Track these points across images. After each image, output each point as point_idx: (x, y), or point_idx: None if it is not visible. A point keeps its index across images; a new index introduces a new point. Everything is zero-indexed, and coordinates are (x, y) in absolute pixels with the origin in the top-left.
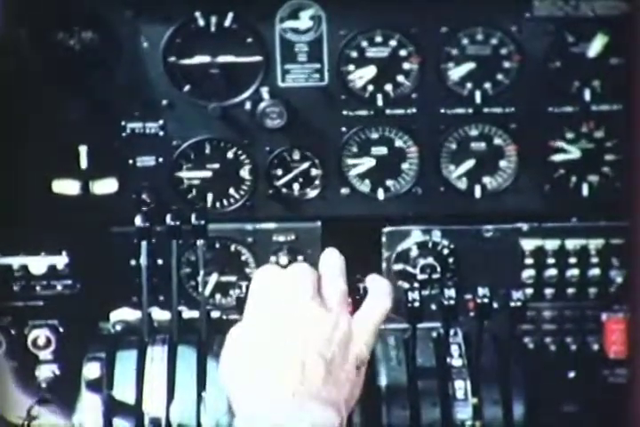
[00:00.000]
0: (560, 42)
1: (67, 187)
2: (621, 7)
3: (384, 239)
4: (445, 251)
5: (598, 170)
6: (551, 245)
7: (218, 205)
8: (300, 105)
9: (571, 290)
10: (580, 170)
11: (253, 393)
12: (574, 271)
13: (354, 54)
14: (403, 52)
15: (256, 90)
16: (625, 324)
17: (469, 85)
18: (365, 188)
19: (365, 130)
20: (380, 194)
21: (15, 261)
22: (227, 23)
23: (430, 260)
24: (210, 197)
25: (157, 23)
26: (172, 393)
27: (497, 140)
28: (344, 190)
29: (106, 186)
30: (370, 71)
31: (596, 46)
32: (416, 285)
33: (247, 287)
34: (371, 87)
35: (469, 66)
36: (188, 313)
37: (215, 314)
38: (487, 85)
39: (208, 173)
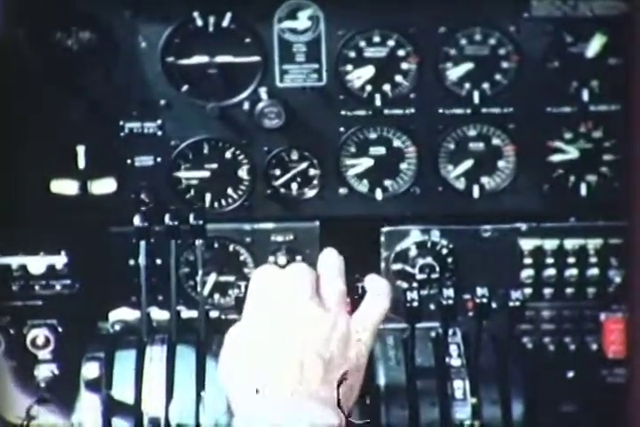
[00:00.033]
0: (558, 42)
1: (65, 187)
2: (620, 7)
3: (383, 239)
4: (444, 251)
5: (597, 170)
6: (550, 244)
7: (216, 204)
8: (299, 105)
9: (569, 290)
10: (578, 170)
11: (252, 393)
12: (573, 271)
13: (352, 54)
14: (401, 52)
15: (254, 90)
16: (624, 324)
17: (468, 85)
18: (364, 188)
19: (363, 130)
20: (379, 194)
21: (14, 261)
22: (225, 23)
23: (429, 260)
24: (208, 196)
25: (155, 23)
26: (170, 393)
27: (495, 141)
28: (342, 190)
29: (104, 186)
30: (368, 71)
31: (594, 46)
32: (415, 284)
33: (246, 287)
34: (369, 87)
35: (468, 66)
36: (186, 313)
37: (214, 314)
38: (485, 85)
39: (206, 173)
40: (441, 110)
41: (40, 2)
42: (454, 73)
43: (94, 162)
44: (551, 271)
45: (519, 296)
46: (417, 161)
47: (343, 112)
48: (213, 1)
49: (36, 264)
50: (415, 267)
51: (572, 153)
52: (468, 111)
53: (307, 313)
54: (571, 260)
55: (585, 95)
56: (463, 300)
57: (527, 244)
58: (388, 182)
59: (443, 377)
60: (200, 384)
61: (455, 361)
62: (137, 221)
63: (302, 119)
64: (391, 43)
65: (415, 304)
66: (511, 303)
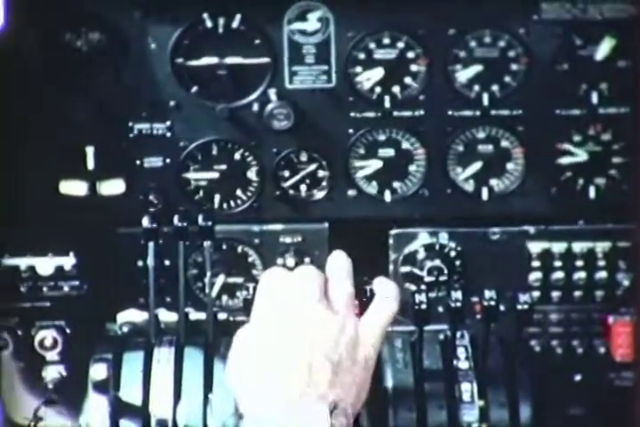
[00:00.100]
0: (568, 45)
1: (74, 188)
2: (629, 10)
3: (391, 241)
4: (452, 253)
5: (605, 173)
6: (558, 247)
7: (225, 206)
8: (308, 107)
9: (577, 293)
10: (587, 173)
11: (260, 395)
12: (581, 274)
13: (361, 56)
14: (410, 54)
15: (264, 91)
16: (632, 327)
17: (477, 88)
18: (372, 189)
19: (373, 132)
20: (387, 196)
21: (22, 262)
22: (234, 24)
23: (437, 262)
24: (217, 198)
25: (165, 24)
26: (178, 395)
27: (504, 143)
28: (351, 192)
29: (113, 187)
30: (377, 73)
31: (603, 49)
32: (423, 287)
33: (254, 289)
34: (378, 89)
35: (477, 68)
36: (194, 315)
37: (222, 316)
38: (495, 88)
39: (215, 175)
40: (450, 112)
41: (49, 3)
42: (464, 75)
43: (103, 163)
44: (559, 274)
45: (527, 299)
46: (426, 163)
47: (352, 114)
48: (223, 2)
49: (45, 265)
50: (423, 269)
51: (581, 156)
52: (477, 113)
53: (315, 316)
54: (579, 263)
55: (594, 98)
56: (471, 302)
57: (535, 246)
58: (396, 184)
59: (450, 380)
60: (208, 386)
61: (463, 364)
62: (145, 222)
63: (311, 121)
64: (401, 44)
65: (423, 307)
66: (519, 306)
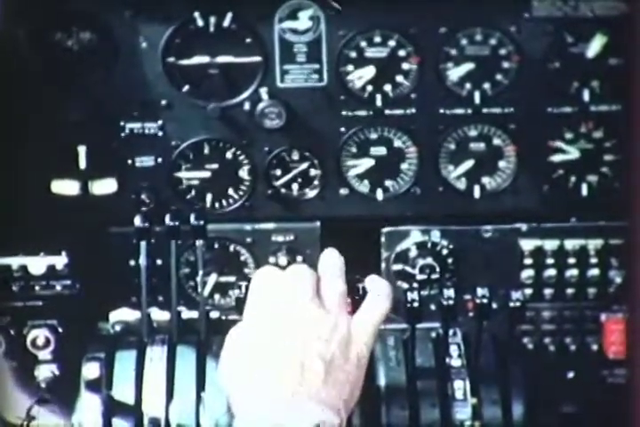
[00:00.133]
0: (559, 42)
1: (66, 187)
2: (620, 7)
3: (383, 240)
4: (444, 251)
5: (597, 170)
6: (550, 245)
7: (217, 205)
8: (299, 105)
9: (570, 290)
10: (579, 170)
11: (253, 394)
12: (573, 272)
13: (353, 55)
14: (402, 53)
15: (255, 90)
16: (624, 324)
17: (468, 86)
18: (364, 188)
19: (364, 130)
20: (379, 194)
21: (14, 262)
22: (226, 23)
23: (429, 260)
24: (209, 197)
25: (156, 23)
26: (171, 393)
27: (496, 141)
28: (343, 191)
29: (105, 186)
30: (369, 71)
31: (595, 47)
32: (415, 285)
33: (246, 288)
34: (370, 87)
35: (468, 66)
36: (187, 313)
37: (214, 314)
38: (486, 86)
39: (207, 174)
40: (442, 110)
41: (40, 2)
42: (455, 73)
43: (95, 162)
44: (551, 272)
45: (519, 297)
46: (418, 161)
47: (344, 112)
48: (214, 1)
49: (37, 265)
50: (415, 267)
51: (573, 153)
52: (469, 111)
53: (307, 314)
54: (571, 260)
55: (586, 95)
56: (463, 300)
57: (528, 244)
58: (388, 183)
59: (443, 378)
60: (200, 385)
61: (455, 362)
62: (137, 221)
63: (303, 119)
64: (392, 43)
65: (415, 305)
66: (511, 304)
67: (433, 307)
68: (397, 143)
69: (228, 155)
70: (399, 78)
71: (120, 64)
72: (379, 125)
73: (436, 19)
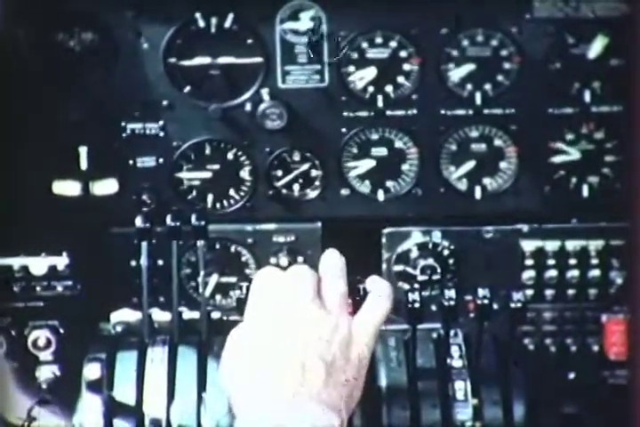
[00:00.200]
0: (560, 43)
1: (67, 188)
2: (621, 8)
3: (384, 240)
4: (445, 252)
5: (598, 171)
6: (551, 246)
7: (218, 205)
8: (301, 106)
9: (571, 291)
10: (580, 171)
11: (254, 394)
12: (574, 272)
13: (354, 55)
14: (403, 54)
15: (256, 91)
16: (625, 325)
17: (469, 87)
18: (365, 189)
19: (366, 131)
20: (380, 195)
21: (16, 262)
22: (227, 24)
23: (430, 261)
24: (210, 197)
25: (158, 24)
26: (172, 394)
27: (497, 142)
28: (344, 191)
29: (106, 187)
30: (370, 72)
31: (596, 48)
32: (416, 286)
33: (247, 288)
34: (371, 88)
35: (469, 67)
36: (188, 314)
37: (215, 315)
38: (487, 87)
39: (208, 174)
40: (443, 111)
41: (41, 2)
42: (456, 74)
43: (96, 163)
44: (552, 273)
45: (520, 297)
46: (419, 162)
47: (345, 113)
48: (216, 2)
49: (38, 265)
50: (416, 268)
51: (574, 154)
52: (470, 112)
53: (308, 315)
54: (572, 261)
55: (587, 96)
56: (464, 301)
57: (529, 245)
58: (389, 183)
59: (444, 378)
60: (201, 385)
61: (456, 362)
62: (139, 221)
63: (304, 120)
64: (393, 44)
65: (417, 305)
66: (512, 305)
67: (434, 308)
68: (398, 144)
69: (230, 155)
70: (400, 79)
71: (121, 64)
72: (380, 126)
73: (437, 20)
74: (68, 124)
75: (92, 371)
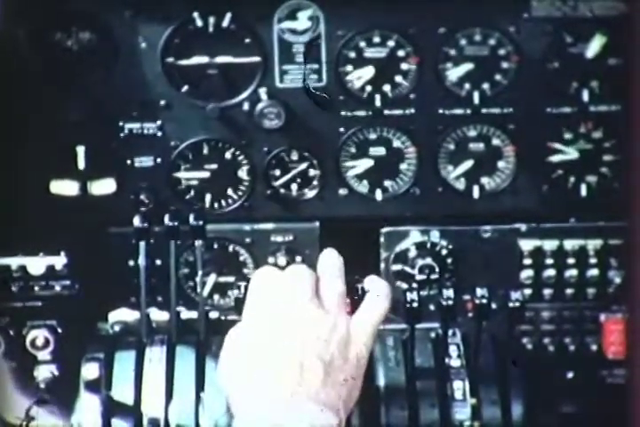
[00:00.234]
0: (558, 42)
1: (65, 187)
2: (620, 8)
3: (382, 240)
4: (444, 251)
5: (597, 170)
6: (549, 245)
7: (216, 205)
8: (298, 106)
9: (569, 291)
10: (578, 170)
11: (252, 394)
12: (573, 272)
13: (352, 55)
14: (401, 53)
15: (254, 90)
16: (623, 324)
17: (467, 86)
18: (363, 188)
19: (363, 130)
20: (379, 194)
21: (13, 262)
22: (225, 24)
23: (429, 260)
24: (208, 197)
25: (155, 23)
26: (170, 394)
27: (495, 141)
28: (342, 191)
29: (104, 186)
30: (368, 72)
31: (594, 47)
32: (414, 285)
33: (245, 288)
34: (369, 88)
35: (467, 66)
36: (186, 314)
37: (214, 315)
38: (485, 86)
39: (206, 174)
40: (441, 111)
41: (40, 2)
42: (454, 73)
43: (94, 162)
44: (551, 272)
45: (519, 297)
46: (417, 161)
47: (343, 113)
48: (213, 1)
49: (36, 265)
50: (415, 268)
51: (572, 153)
52: (468, 112)
53: (306, 315)
54: (570, 260)
55: (585, 96)
56: (463, 300)
57: (527, 244)
58: (387, 183)
59: (442, 378)
60: (200, 385)
61: (455, 362)
62: (137, 221)
63: (302, 120)
64: (391, 43)
65: (415, 305)
66: (511, 304)
67: (432, 307)
68: (396, 143)
69: (228, 155)
70: (398, 78)
71: (119, 64)
72: (378, 126)
73: (435, 19)
74: (65, 124)
75: (90, 371)
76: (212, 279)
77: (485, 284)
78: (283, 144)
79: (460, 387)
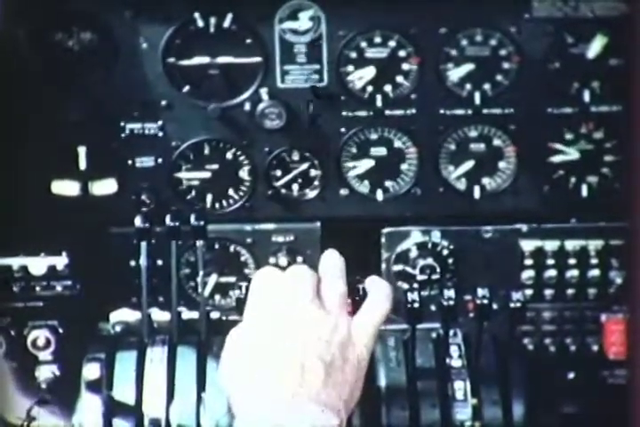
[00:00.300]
0: (559, 43)
1: (66, 188)
2: (621, 8)
3: (383, 240)
4: (445, 252)
5: (597, 171)
6: (550, 245)
7: (217, 205)
8: (299, 106)
9: (570, 291)
10: (579, 171)
11: (253, 394)
12: (574, 272)
13: (353, 55)
14: (402, 53)
15: (255, 91)
16: (624, 325)
17: (469, 86)
18: (364, 188)
19: (365, 131)
20: (379, 195)
21: (15, 262)
22: (226, 24)
23: (430, 260)
24: (209, 197)
25: (156, 24)
26: (171, 394)
27: (496, 141)
28: (343, 191)
29: (105, 187)
30: (369, 72)
31: (595, 47)
32: (415, 285)
33: (246, 288)
34: (370, 88)
35: (469, 67)
36: (187, 314)
37: (215, 315)
38: (486, 86)
39: (207, 174)
40: (442, 111)
41: (40, 2)
42: (455, 74)
43: (95, 163)
44: (552, 272)
45: (520, 297)
46: (418, 162)
47: (344, 113)
48: (214, 2)
49: (37, 265)
50: (416, 268)
51: (573, 154)
52: (469, 112)
53: (307, 315)
54: (571, 261)
55: (586, 96)
56: (464, 301)
57: (528, 245)
58: (388, 183)
59: (443, 378)
60: (201, 385)
61: (456, 362)
62: (138, 221)
63: (303, 120)
64: (392, 43)
65: (416, 305)
66: (512, 304)
67: (433, 307)
68: (397, 144)
69: (229, 155)
70: (399, 79)
71: (120, 64)
72: (379, 126)
73: (436, 19)
74: (66, 124)
75: (91, 371)
76: (213, 280)
77: (486, 284)
78: (284, 144)
79: (460, 387)
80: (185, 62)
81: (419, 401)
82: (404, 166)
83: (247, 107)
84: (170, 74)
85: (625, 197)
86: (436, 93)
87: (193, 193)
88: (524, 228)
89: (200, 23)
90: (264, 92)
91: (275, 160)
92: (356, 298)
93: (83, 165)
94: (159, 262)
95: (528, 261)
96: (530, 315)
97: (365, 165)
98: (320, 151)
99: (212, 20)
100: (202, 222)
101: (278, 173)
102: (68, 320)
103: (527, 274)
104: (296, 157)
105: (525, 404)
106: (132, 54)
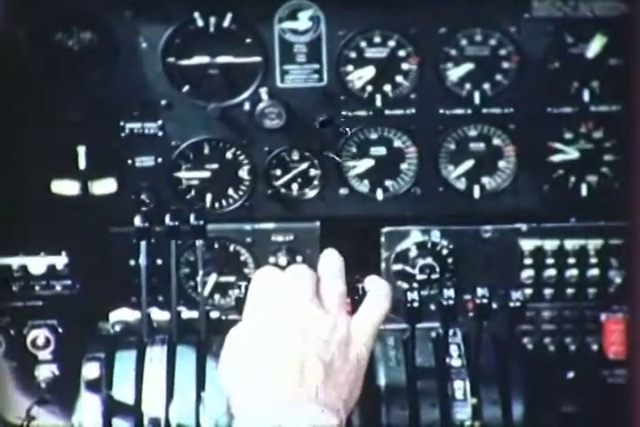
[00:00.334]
0: (559, 42)
1: (66, 187)
2: (620, 8)
3: (383, 240)
4: (444, 251)
5: (597, 170)
6: (550, 245)
7: (217, 205)
8: (299, 105)
9: (570, 290)
10: (578, 170)
11: (253, 394)
12: (573, 272)
13: (353, 55)
14: (401, 53)
15: (255, 90)
16: (624, 324)
17: (468, 86)
18: (364, 188)
19: (364, 130)
20: (379, 194)
21: (14, 262)
22: (225, 24)
23: (429, 260)
24: (209, 197)
25: (156, 23)
26: (171, 393)
27: (496, 141)
28: (343, 191)
29: (105, 186)
30: (369, 72)
31: (594, 47)
32: (415, 285)
33: (246, 288)
34: (369, 88)
35: (468, 66)
36: (187, 313)
37: (214, 314)
38: (486, 86)
39: (207, 174)
40: (441, 111)
41: (40, 2)
42: (455, 73)
43: (95, 162)
44: (551, 272)
45: (519, 297)
46: (418, 161)
47: (344, 112)
48: (214, 1)
49: (37, 264)
50: (415, 267)
51: (573, 153)
52: (469, 111)
53: (307, 315)
54: (571, 260)
55: (585, 96)
56: (463, 300)
57: (527, 244)
58: (388, 183)
59: (443, 378)
60: (200, 385)
61: (455, 362)
62: (137, 221)
63: (303, 119)
64: (392, 43)
65: (415, 305)
66: (511, 304)
67: (433, 307)
68: (397, 143)
69: (228, 155)
70: (399, 78)
71: (120, 64)
72: (378, 126)
73: (435, 19)
74: (66, 124)
75: (90, 370)
76: (212, 279)
77: (486, 283)
78: (283, 144)
79: (460, 387)
80: (185, 62)
81: (418, 401)
82: (403, 166)
83: (247, 106)
84: (169, 74)
85: (624, 197)
86: (436, 93)
87: (192, 193)
88: (524, 227)
89: (200, 23)
90: (264, 91)
91: (274, 160)
92: (355, 297)
93: (82, 164)
94: (159, 262)
95: (528, 261)
96: (529, 314)
97: (365, 164)
98: (320, 151)
99: (212, 20)
100: (201, 222)
101: (278, 172)
102: (67, 320)
103: (527, 273)
104: (296, 156)
105: (525, 403)
106: (132, 54)
